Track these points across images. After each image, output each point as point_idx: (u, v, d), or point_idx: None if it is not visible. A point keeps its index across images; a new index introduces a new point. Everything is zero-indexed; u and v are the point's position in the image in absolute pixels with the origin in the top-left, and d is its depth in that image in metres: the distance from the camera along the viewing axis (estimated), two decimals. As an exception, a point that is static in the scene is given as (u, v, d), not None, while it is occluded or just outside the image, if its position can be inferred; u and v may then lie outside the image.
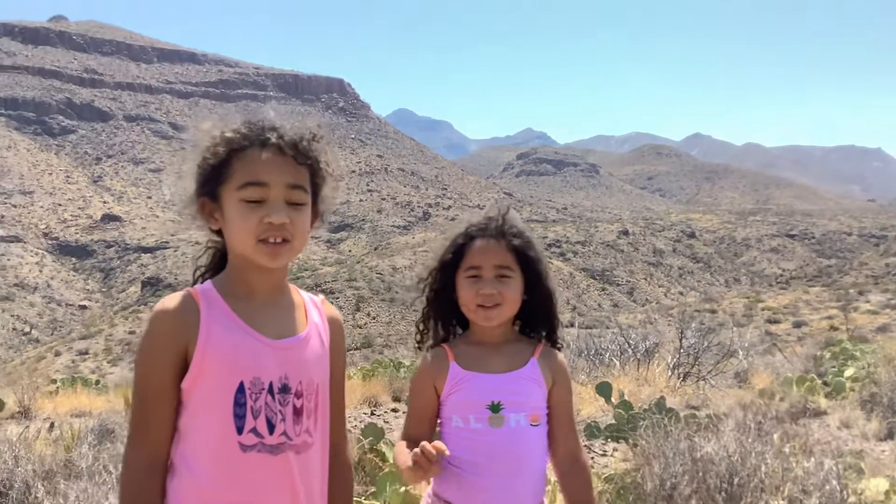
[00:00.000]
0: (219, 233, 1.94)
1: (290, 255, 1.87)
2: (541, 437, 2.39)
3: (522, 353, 2.44)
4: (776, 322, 57.25)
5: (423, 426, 2.34)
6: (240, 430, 1.80)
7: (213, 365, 1.80)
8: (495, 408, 2.33)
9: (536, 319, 2.50)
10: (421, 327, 2.46)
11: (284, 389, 1.85)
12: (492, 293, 2.36)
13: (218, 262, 1.99)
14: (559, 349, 2.53)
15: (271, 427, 1.82)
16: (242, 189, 1.82)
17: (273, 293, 1.93)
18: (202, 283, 1.95)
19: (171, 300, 1.84)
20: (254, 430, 1.81)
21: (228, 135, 1.85)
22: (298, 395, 1.87)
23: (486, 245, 2.42)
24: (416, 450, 2.05)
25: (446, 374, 2.36)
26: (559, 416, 2.44)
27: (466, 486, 2.30)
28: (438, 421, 2.36)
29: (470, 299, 2.38)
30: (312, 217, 1.93)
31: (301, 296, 2.02)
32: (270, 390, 1.83)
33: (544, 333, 2.51)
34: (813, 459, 3.77)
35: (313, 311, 2.00)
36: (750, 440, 3.85)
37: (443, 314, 2.47)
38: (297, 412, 1.87)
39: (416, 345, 2.47)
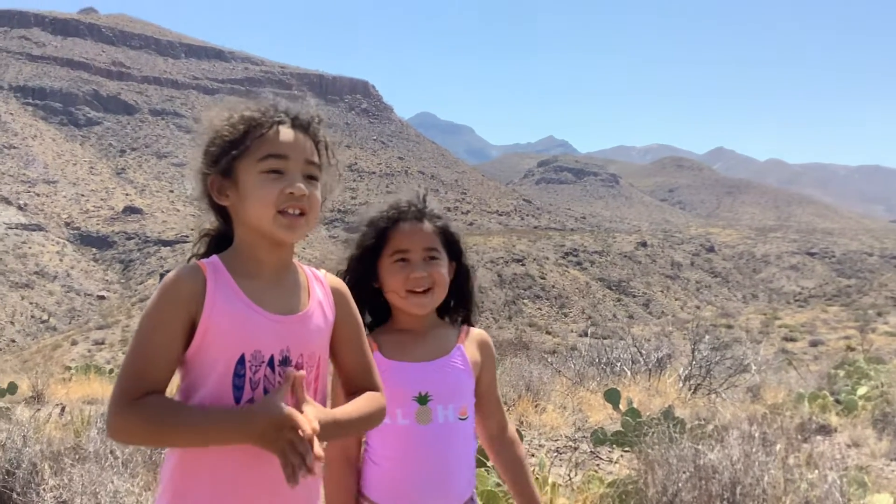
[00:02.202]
0: (223, 215, 2.00)
1: (305, 228, 1.93)
2: (469, 429, 2.34)
3: (447, 339, 2.38)
4: (793, 340, 56.79)
5: None
6: (237, 401, 1.84)
7: (216, 337, 1.84)
8: (423, 399, 2.25)
9: (455, 299, 2.44)
10: None
11: (285, 362, 1.90)
12: (423, 276, 2.28)
13: (214, 252, 2.01)
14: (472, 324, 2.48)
15: None
16: (263, 161, 1.89)
17: (280, 271, 1.98)
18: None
19: (180, 271, 1.88)
20: (251, 401, 1.84)
21: (247, 113, 1.93)
22: (299, 367, 1.91)
23: (413, 227, 2.34)
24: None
25: None
26: (487, 396, 2.42)
27: (394, 485, 2.22)
28: None
29: (399, 285, 2.29)
30: None
31: (305, 273, 2.06)
32: (271, 363, 1.88)
33: (462, 315, 2.46)
34: (817, 472, 3.75)
35: (316, 287, 2.04)
36: (754, 450, 3.83)
37: (363, 303, 2.33)
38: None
39: None
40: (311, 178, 1.94)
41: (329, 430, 1.85)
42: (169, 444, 1.87)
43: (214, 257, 1.95)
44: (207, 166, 1.95)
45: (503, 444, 2.45)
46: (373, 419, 2.02)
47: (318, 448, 1.74)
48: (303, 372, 1.86)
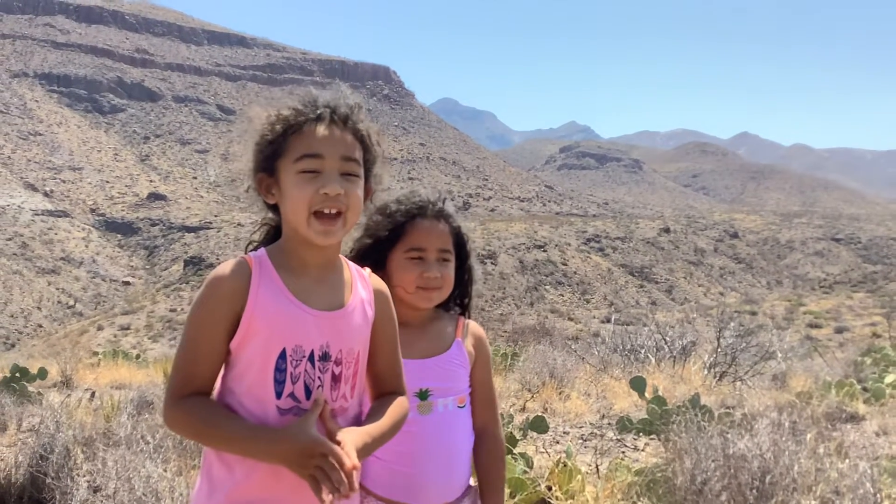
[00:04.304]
0: (275, 209, 2.02)
1: (343, 230, 1.93)
2: (467, 417, 2.39)
3: (446, 333, 2.43)
4: (818, 327, 56.27)
5: None
6: (279, 395, 1.88)
7: (258, 330, 1.87)
8: (423, 395, 2.30)
9: (455, 293, 2.50)
10: None
11: (325, 357, 1.92)
12: (437, 276, 2.34)
13: (271, 240, 2.05)
14: (469, 318, 2.54)
15: (308, 392, 1.90)
16: (299, 161, 1.90)
17: (324, 269, 2.00)
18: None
19: (226, 265, 1.91)
20: (291, 395, 1.88)
21: (285, 112, 1.93)
22: (338, 363, 1.94)
23: (432, 227, 2.38)
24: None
25: None
26: (479, 391, 2.45)
27: (398, 478, 2.24)
28: None
29: (410, 281, 2.33)
30: (364, 194, 2.00)
31: (351, 270, 2.07)
32: (311, 358, 1.90)
33: (460, 306, 2.53)
34: (847, 461, 3.72)
35: (359, 285, 2.05)
36: (784, 439, 3.82)
37: None
38: (336, 378, 1.94)
39: None
40: (350, 175, 1.93)
41: (365, 450, 1.88)
42: (209, 446, 1.92)
43: (262, 251, 1.97)
44: (255, 165, 1.97)
45: (481, 441, 2.43)
46: (399, 427, 2.04)
47: (355, 482, 1.77)
48: (329, 406, 1.89)
